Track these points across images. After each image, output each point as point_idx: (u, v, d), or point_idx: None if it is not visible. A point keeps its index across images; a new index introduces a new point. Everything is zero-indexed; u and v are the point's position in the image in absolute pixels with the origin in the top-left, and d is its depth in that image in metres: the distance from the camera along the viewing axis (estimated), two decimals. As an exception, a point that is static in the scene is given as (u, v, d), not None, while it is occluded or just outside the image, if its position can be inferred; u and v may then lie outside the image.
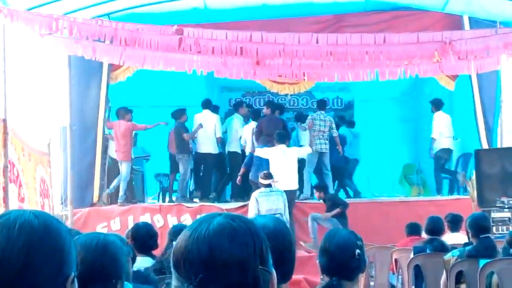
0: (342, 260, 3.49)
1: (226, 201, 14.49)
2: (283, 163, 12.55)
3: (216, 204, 13.48)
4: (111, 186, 14.14)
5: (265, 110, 14.89)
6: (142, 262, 5.81)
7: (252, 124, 14.54)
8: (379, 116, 18.01)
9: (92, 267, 2.74)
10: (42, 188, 11.86)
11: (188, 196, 14.66)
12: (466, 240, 7.61)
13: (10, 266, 1.55)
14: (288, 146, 13.42)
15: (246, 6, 13.95)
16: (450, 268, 6.96)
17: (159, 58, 11.77)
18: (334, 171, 15.10)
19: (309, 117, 14.49)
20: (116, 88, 15.04)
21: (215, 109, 15.54)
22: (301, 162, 13.93)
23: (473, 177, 12.75)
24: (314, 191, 13.47)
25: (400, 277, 9.06)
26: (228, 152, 15.04)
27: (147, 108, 17.14)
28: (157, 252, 6.54)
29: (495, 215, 10.94)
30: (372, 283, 10.10)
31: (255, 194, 11.91)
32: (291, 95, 18.78)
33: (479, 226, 6.95)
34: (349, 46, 12.01)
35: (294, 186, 12.72)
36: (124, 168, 14.05)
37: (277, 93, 18.77)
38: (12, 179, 9.97)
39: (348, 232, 3.61)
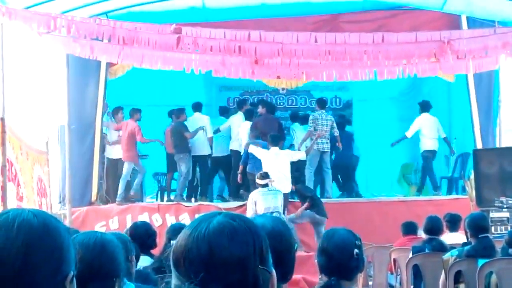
0: (340, 260, 3.48)
1: (225, 200, 14.48)
2: (275, 166, 12.48)
3: (215, 203, 13.48)
4: (134, 184, 14.23)
5: (260, 110, 14.90)
6: (141, 261, 5.80)
7: (247, 124, 14.51)
8: (377, 116, 18.01)
9: (90, 266, 2.74)
10: (39, 187, 11.85)
11: (185, 195, 14.62)
12: (465, 240, 7.60)
13: (9, 265, 1.54)
14: (283, 147, 13.42)
15: (244, 5, 13.94)
16: (449, 268, 6.95)
17: (157, 57, 11.77)
18: (343, 168, 15.15)
19: (311, 116, 14.48)
20: (114, 87, 15.04)
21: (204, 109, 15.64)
22: (303, 162, 13.94)
23: (472, 177, 12.75)
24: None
25: (398, 277, 9.06)
26: (231, 150, 15.01)
27: (145, 107, 17.07)
28: (155, 251, 6.53)
29: (494, 215, 10.95)
30: (370, 283, 10.10)
31: (252, 194, 11.93)
32: (289, 94, 18.83)
33: (478, 226, 6.95)
34: (348, 45, 12.01)
35: (286, 189, 12.66)
36: (125, 168, 14.09)
37: (275, 92, 18.81)
38: (10, 178, 9.95)
39: (346, 231, 3.59)
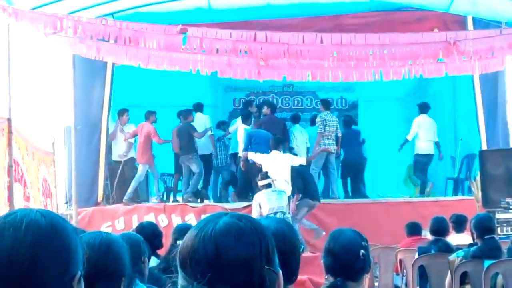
0: (346, 260, 3.48)
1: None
2: (274, 169, 12.42)
3: (220, 204, 13.48)
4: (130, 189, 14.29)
5: (265, 110, 14.90)
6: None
7: (243, 127, 14.50)
8: (383, 116, 17.99)
9: (96, 266, 2.75)
10: (44, 188, 11.87)
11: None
12: (471, 241, 7.59)
13: (17, 265, 1.55)
14: (285, 149, 13.39)
15: (250, 6, 13.95)
16: (455, 269, 6.95)
17: (163, 57, 11.78)
18: (352, 168, 15.14)
19: (319, 118, 14.48)
20: (120, 88, 15.05)
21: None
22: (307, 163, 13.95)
23: (478, 177, 12.72)
24: None
25: (404, 277, 9.05)
26: (231, 154, 15.04)
27: (150, 108, 17.13)
28: (161, 252, 6.54)
29: (500, 215, 10.92)
30: (376, 284, 10.10)
31: (256, 196, 11.93)
32: (294, 95, 18.84)
33: (484, 227, 6.94)
34: (354, 46, 12.02)
35: (287, 193, 12.61)
36: (140, 170, 14.26)
37: (281, 92, 18.84)
38: (17, 178, 9.98)
39: (353, 232, 3.59)
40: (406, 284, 8.91)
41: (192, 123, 14.54)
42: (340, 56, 12.05)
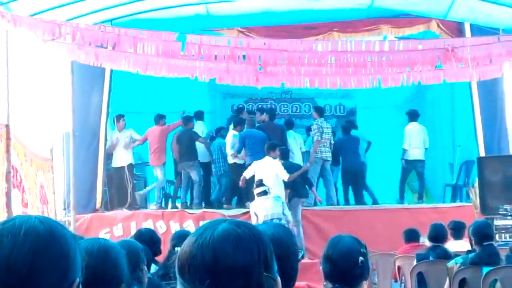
0: (345, 267, 3.47)
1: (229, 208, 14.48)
2: (265, 175, 12.43)
3: (219, 211, 13.47)
4: (146, 189, 14.57)
5: (263, 117, 14.91)
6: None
7: (232, 132, 14.54)
8: (381, 123, 18.01)
9: (94, 272, 2.74)
10: (41, 194, 11.87)
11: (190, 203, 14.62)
12: (469, 248, 7.59)
13: (16, 272, 1.55)
14: (284, 156, 13.39)
15: (248, 13, 13.96)
16: (453, 276, 6.95)
17: (162, 64, 11.80)
18: (351, 175, 15.13)
19: (315, 125, 14.44)
20: (118, 94, 15.05)
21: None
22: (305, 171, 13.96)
23: (476, 184, 12.73)
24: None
25: (403, 284, 9.05)
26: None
27: (149, 114, 17.12)
28: (159, 258, 6.53)
29: (498, 222, 10.91)
30: (374, 290, 10.09)
31: (252, 205, 11.94)
32: (293, 101, 18.87)
33: (482, 234, 6.94)
34: (352, 53, 12.03)
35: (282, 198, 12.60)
36: (158, 173, 14.36)
37: (279, 99, 18.86)
38: (15, 185, 9.97)
39: (352, 239, 3.59)
40: (405, 291, 8.91)
41: (193, 130, 14.60)
42: (338, 62, 12.07)
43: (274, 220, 11.00)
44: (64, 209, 13.49)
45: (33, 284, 1.56)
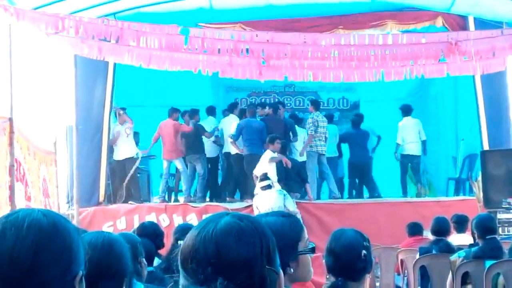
0: (348, 260, 3.48)
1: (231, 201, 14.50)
2: (271, 170, 12.49)
3: (222, 204, 13.47)
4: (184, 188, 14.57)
5: (267, 110, 14.92)
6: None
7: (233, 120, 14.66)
8: (385, 117, 17.98)
9: (99, 265, 2.75)
10: (44, 188, 11.88)
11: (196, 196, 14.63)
12: (472, 241, 7.59)
13: (19, 265, 1.55)
14: (285, 150, 13.43)
15: (251, 6, 13.95)
16: (456, 269, 6.95)
17: (165, 57, 11.79)
18: (358, 168, 15.13)
19: (310, 119, 14.36)
20: (121, 88, 15.05)
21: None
22: (302, 166, 14.00)
23: (479, 178, 12.72)
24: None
25: (405, 278, 9.05)
26: (224, 152, 15.00)
27: (152, 107, 17.16)
28: (162, 251, 6.53)
29: (501, 216, 10.91)
30: (377, 284, 10.09)
31: (254, 200, 12.00)
32: (296, 95, 18.86)
33: (485, 227, 6.94)
34: (355, 46, 12.02)
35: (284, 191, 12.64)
36: (178, 166, 14.37)
37: (282, 93, 18.85)
38: (18, 178, 9.98)
39: (355, 232, 3.59)
40: (407, 284, 8.91)
41: (200, 123, 14.63)
42: (342, 56, 12.05)
43: None
44: (67, 202, 13.50)
45: (36, 277, 1.56)
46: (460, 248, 7.55)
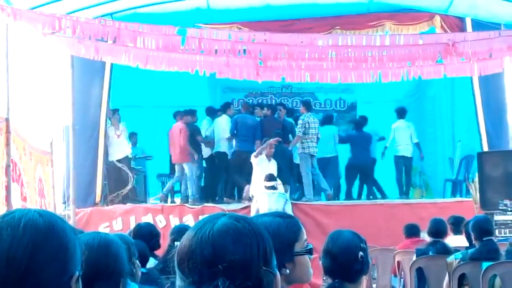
0: (345, 262, 3.47)
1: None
2: (261, 171, 12.53)
3: (219, 205, 13.47)
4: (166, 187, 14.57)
5: (266, 111, 14.97)
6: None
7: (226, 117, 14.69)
8: (382, 118, 17.98)
9: (96, 266, 2.74)
10: (40, 188, 11.87)
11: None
12: (466, 243, 7.61)
13: (15, 265, 1.54)
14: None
15: (249, 7, 13.95)
16: (453, 271, 6.95)
17: (162, 58, 11.78)
18: (359, 170, 15.13)
19: (301, 120, 14.19)
20: (118, 88, 15.04)
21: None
22: (297, 168, 14.03)
23: (476, 179, 12.72)
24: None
25: (402, 279, 9.05)
26: (216, 152, 14.96)
27: (149, 108, 17.16)
28: (159, 252, 6.53)
29: (498, 217, 10.88)
30: (374, 285, 10.10)
31: (257, 194, 11.99)
32: (293, 96, 18.85)
33: (482, 229, 6.94)
34: (352, 47, 12.03)
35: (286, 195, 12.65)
36: (187, 169, 14.16)
37: (279, 93, 18.85)
38: (14, 178, 9.97)
39: (352, 234, 3.58)
40: (404, 286, 8.92)
41: (195, 124, 14.62)
42: (339, 57, 12.06)
43: None
44: (64, 202, 13.48)
45: (32, 277, 1.55)
46: (457, 249, 7.56)
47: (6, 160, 9.52)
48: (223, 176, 14.66)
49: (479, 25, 13.59)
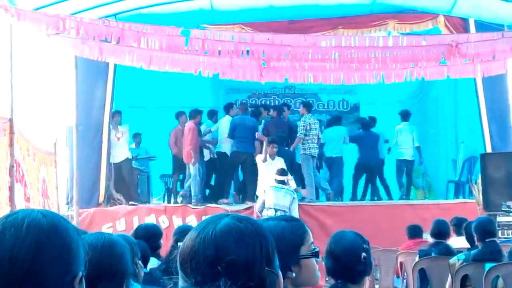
0: (347, 263, 3.47)
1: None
2: (267, 171, 12.56)
3: (221, 206, 13.47)
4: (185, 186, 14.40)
5: (272, 113, 14.97)
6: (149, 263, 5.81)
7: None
8: (385, 119, 17.97)
9: (100, 266, 2.75)
10: (43, 189, 11.88)
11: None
12: (467, 244, 7.61)
13: (18, 265, 1.55)
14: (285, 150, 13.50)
15: (252, 7, 13.95)
16: (456, 272, 6.95)
17: (166, 59, 11.79)
18: (367, 170, 15.13)
19: (302, 122, 14.12)
20: (121, 89, 15.05)
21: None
22: (299, 169, 14.04)
23: (479, 181, 12.73)
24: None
25: (405, 280, 9.05)
26: (217, 152, 14.93)
27: (152, 108, 17.17)
28: (162, 253, 6.53)
29: (501, 219, 10.91)
30: (377, 286, 10.10)
31: (266, 187, 12.05)
32: (296, 97, 18.85)
33: (485, 230, 6.93)
34: (355, 48, 12.03)
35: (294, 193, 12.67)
36: (191, 169, 14.08)
37: (282, 94, 18.85)
38: (18, 179, 9.99)
39: (355, 235, 3.58)
40: (407, 287, 8.91)
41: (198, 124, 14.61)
42: (342, 58, 12.05)
43: (279, 212, 11.14)
44: (67, 203, 13.50)
45: (35, 277, 1.56)
46: (459, 251, 7.56)
47: (9, 161, 9.53)
48: (222, 176, 14.64)
49: (482, 26, 13.57)
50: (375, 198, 15.13)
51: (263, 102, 18.09)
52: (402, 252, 9.42)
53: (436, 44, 12.05)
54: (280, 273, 1.82)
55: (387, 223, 12.78)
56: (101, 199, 13.91)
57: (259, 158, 13.09)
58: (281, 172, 12.08)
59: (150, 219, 12.55)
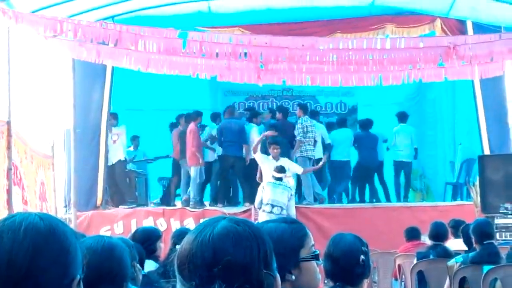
0: (346, 265, 3.46)
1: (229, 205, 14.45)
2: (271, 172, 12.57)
3: (219, 208, 13.46)
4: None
5: (278, 115, 14.93)
6: (146, 266, 5.79)
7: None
8: (382, 121, 17.98)
9: (99, 270, 2.75)
10: (41, 191, 11.87)
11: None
12: (465, 247, 7.62)
13: (16, 269, 1.54)
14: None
15: (250, 10, 13.96)
16: (454, 274, 6.94)
17: (163, 61, 11.80)
18: (366, 172, 15.12)
19: (299, 125, 14.00)
20: (119, 91, 15.04)
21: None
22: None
23: (477, 183, 12.72)
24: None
25: (403, 283, 9.05)
26: (218, 156, 14.85)
27: (150, 111, 17.16)
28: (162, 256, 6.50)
29: (499, 221, 10.90)
30: (375, 288, 10.09)
31: (264, 183, 12.09)
32: (294, 99, 18.85)
33: (483, 232, 6.93)
34: (353, 51, 12.04)
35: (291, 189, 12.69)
36: (191, 172, 14.00)
37: (280, 96, 18.85)
38: (15, 182, 9.98)
39: (353, 237, 3.58)
40: (405, 289, 8.91)
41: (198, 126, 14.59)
42: (340, 60, 12.06)
43: (275, 209, 11.22)
44: (65, 206, 13.49)
45: (33, 281, 1.55)
46: (457, 253, 7.56)
47: (7, 164, 9.53)
48: (215, 180, 14.62)
49: (480, 28, 13.59)
50: (374, 200, 15.11)
51: (260, 105, 18.09)
52: (400, 254, 9.42)
53: (433, 46, 12.07)
54: (278, 276, 1.81)
55: (385, 226, 12.79)
56: (98, 202, 13.90)
57: (258, 156, 13.03)
58: (279, 169, 12.09)
59: (148, 222, 12.54)
